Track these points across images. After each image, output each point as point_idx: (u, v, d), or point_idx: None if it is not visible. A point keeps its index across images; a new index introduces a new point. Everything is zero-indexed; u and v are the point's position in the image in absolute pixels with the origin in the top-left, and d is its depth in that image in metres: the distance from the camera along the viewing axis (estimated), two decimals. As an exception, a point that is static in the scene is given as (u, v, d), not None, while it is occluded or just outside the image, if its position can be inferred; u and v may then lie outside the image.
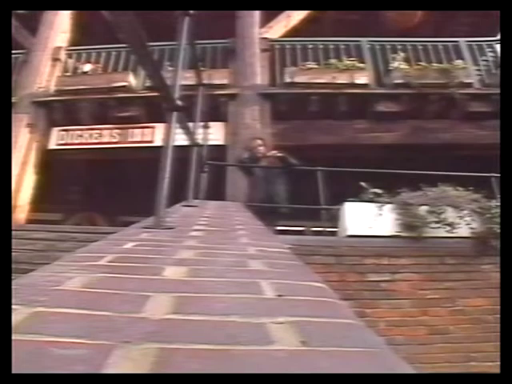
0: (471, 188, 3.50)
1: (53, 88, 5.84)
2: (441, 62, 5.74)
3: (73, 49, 6.27)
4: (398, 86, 5.55)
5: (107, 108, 5.66)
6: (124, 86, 5.63)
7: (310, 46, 5.99)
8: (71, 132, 5.85)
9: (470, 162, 4.14)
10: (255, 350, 0.40)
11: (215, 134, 5.15)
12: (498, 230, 3.09)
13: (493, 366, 2.72)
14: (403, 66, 5.66)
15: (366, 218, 3.36)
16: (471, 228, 3.29)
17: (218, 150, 4.98)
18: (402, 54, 5.79)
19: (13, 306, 0.47)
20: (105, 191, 6.89)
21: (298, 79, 5.59)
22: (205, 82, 3.22)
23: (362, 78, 5.60)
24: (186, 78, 1.91)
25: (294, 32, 6.33)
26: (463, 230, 3.30)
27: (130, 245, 1.00)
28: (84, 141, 5.82)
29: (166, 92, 1.52)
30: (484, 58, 5.83)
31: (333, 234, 3.89)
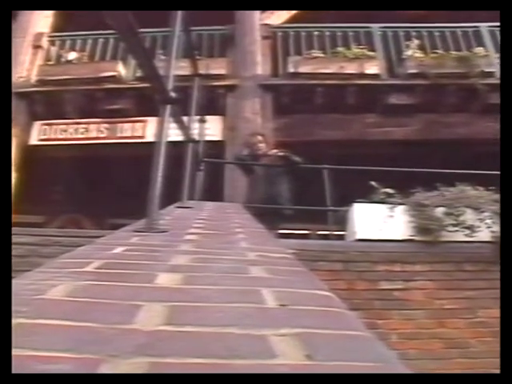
0: (492, 188, 3.50)
1: (34, 78, 5.85)
2: (460, 50, 5.74)
3: (56, 35, 6.28)
4: (411, 76, 5.56)
5: (94, 100, 5.67)
6: (112, 77, 5.63)
7: (316, 33, 6.00)
8: (54, 126, 5.86)
9: (491, 158, 4.14)
10: (256, 364, 0.40)
11: (212, 128, 5.16)
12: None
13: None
14: (418, 54, 5.67)
15: (377, 221, 3.36)
16: (492, 231, 3.29)
17: (216, 147, 4.99)
18: (416, 42, 5.80)
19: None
20: (91, 191, 6.90)
21: (303, 69, 5.60)
22: (201, 72, 3.23)
23: (372, 68, 5.61)
24: (181, 67, 1.91)
25: (298, 18, 6.34)
26: (484, 234, 3.29)
27: (119, 250, 1.01)
28: (69, 136, 5.83)
29: (159, 83, 1.52)
30: (506, 45, 5.81)
31: (340, 237, 3.89)
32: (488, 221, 3.32)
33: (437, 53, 5.70)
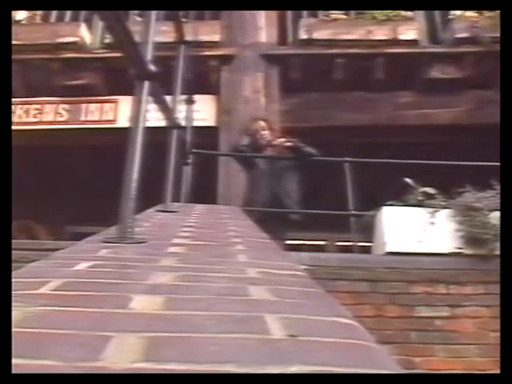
0: None
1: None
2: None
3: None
4: (460, 42, 5.55)
5: (50, 73, 5.68)
6: (74, 43, 5.64)
7: (336, -12, 6.00)
8: None
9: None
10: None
11: (203, 111, 5.16)
12: None
13: None
14: (468, 13, 5.65)
15: (413, 229, 3.36)
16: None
17: (207, 134, 5.00)
18: (465, -2, 5.79)
19: None
20: (47, 191, 6.91)
21: (318, 35, 5.60)
22: (188, 38, 3.23)
23: (408, 33, 5.61)
24: (162, 32, 1.92)
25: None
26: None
27: (83, 265, 1.01)
28: (17, 120, 5.84)
29: (134, 52, 1.53)
30: None
31: (366, 250, 3.89)
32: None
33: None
